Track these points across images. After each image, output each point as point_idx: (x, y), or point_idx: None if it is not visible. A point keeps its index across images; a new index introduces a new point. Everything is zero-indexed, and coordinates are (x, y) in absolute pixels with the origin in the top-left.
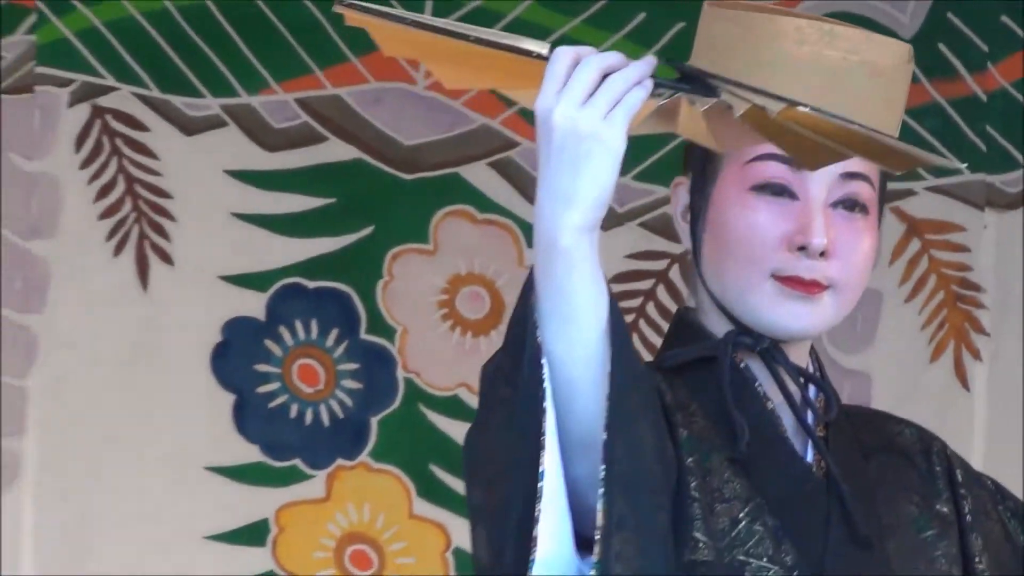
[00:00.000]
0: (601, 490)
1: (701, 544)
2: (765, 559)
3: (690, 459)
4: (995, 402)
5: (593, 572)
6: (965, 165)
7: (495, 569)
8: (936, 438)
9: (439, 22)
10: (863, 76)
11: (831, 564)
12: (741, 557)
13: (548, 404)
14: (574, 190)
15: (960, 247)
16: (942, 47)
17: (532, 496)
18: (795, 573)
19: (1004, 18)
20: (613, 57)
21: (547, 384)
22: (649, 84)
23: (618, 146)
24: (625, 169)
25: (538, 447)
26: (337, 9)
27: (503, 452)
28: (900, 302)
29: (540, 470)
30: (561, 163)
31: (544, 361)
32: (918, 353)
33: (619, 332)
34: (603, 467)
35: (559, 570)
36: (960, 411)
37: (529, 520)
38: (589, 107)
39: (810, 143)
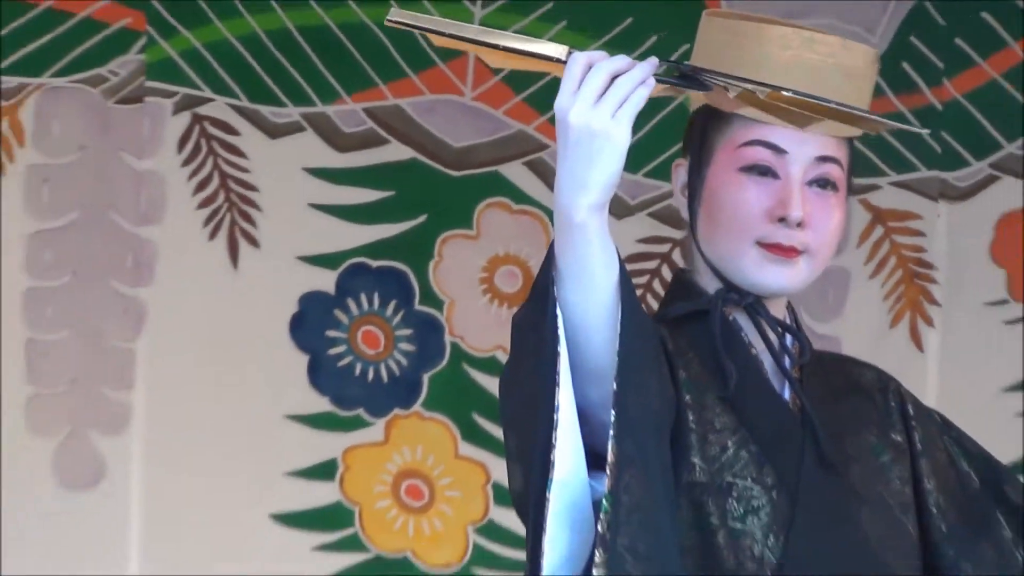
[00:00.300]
0: (612, 432)
1: (697, 468)
2: (749, 480)
3: (688, 397)
4: (945, 361)
5: (604, 502)
6: (924, 130)
7: (526, 498)
8: (892, 379)
9: (472, 32)
10: (838, 75)
11: (804, 485)
12: (729, 479)
13: (562, 348)
14: (587, 177)
15: (917, 232)
16: (905, 65)
17: (550, 423)
18: (773, 492)
19: (958, 40)
20: (620, 61)
21: (561, 331)
22: (651, 83)
23: (624, 141)
24: (636, 168)
25: (553, 384)
26: (388, 22)
27: (528, 388)
28: (865, 279)
29: (556, 403)
30: (576, 155)
31: (559, 312)
32: (880, 321)
33: (627, 290)
34: (614, 412)
35: (574, 489)
36: (916, 369)
37: (548, 447)
38: (600, 107)
39: (797, 112)
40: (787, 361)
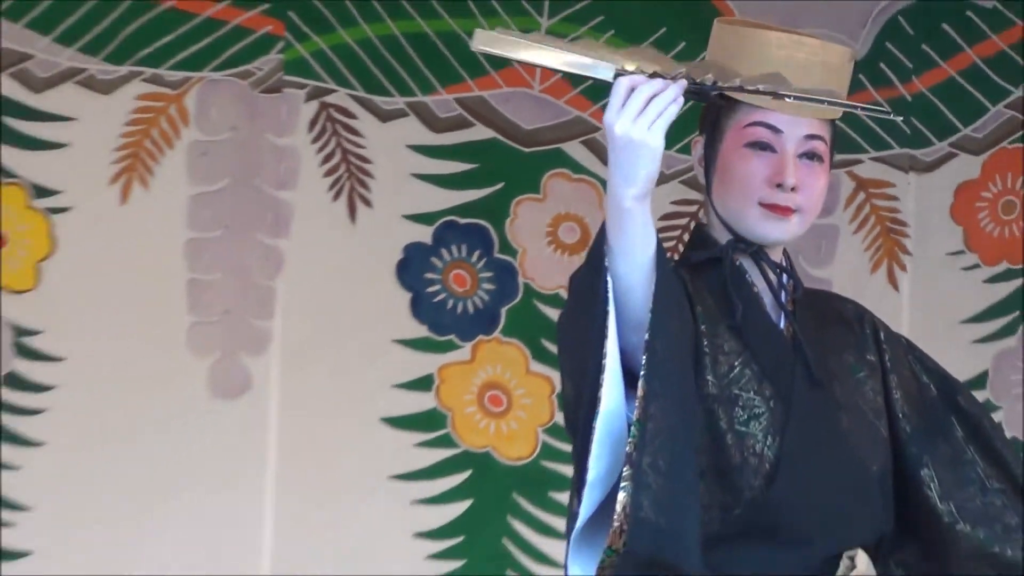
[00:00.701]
0: (643, 372)
1: (709, 383)
2: (751, 392)
3: (703, 327)
4: (915, 299)
5: (633, 428)
6: (898, 117)
7: (572, 406)
8: (867, 311)
9: (542, 57)
10: (821, 70)
11: (795, 396)
12: (736, 391)
13: (611, 307)
14: (631, 174)
15: (892, 197)
16: (882, 65)
17: (599, 367)
18: (771, 402)
19: (924, 46)
20: (658, 84)
21: (611, 294)
22: (680, 101)
23: (658, 147)
24: (670, 145)
25: (603, 335)
26: (475, 49)
27: (582, 334)
28: (850, 234)
29: (604, 351)
30: (622, 158)
31: (609, 278)
32: (862, 267)
33: (661, 260)
34: (645, 356)
35: (614, 419)
36: (892, 306)
37: (597, 386)
38: (639, 122)
39: (789, 104)
40: (783, 296)
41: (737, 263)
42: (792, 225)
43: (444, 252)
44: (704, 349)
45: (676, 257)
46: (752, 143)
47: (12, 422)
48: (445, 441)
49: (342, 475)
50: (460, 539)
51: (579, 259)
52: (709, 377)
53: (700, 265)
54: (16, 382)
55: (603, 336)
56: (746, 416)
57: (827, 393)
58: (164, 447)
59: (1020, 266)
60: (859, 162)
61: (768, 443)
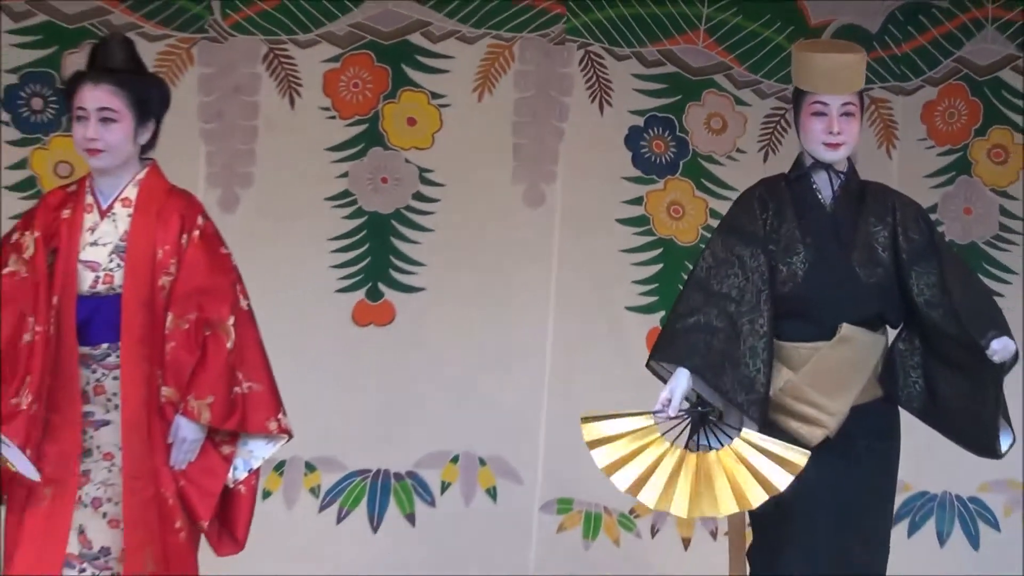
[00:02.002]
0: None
1: (774, 244)
2: (796, 242)
3: (773, 222)
4: (901, 163)
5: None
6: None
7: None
8: (892, 190)
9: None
10: (845, 65)
11: (821, 243)
12: (786, 243)
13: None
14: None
15: (889, 108)
16: (885, 36)
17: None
18: (807, 246)
19: (908, 27)
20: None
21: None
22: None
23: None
24: (769, 76)
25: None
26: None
27: None
28: (867, 126)
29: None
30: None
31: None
32: (873, 144)
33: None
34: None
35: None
36: (887, 166)
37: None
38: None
39: (832, 88)
40: (832, 188)
41: (811, 176)
42: (841, 152)
43: (651, 131)
44: (773, 226)
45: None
46: (814, 112)
47: None
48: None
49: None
50: None
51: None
52: (771, 247)
53: (798, 177)
54: None
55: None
56: (791, 254)
57: (844, 242)
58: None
59: (958, 145)
60: (872, 88)
61: (801, 266)
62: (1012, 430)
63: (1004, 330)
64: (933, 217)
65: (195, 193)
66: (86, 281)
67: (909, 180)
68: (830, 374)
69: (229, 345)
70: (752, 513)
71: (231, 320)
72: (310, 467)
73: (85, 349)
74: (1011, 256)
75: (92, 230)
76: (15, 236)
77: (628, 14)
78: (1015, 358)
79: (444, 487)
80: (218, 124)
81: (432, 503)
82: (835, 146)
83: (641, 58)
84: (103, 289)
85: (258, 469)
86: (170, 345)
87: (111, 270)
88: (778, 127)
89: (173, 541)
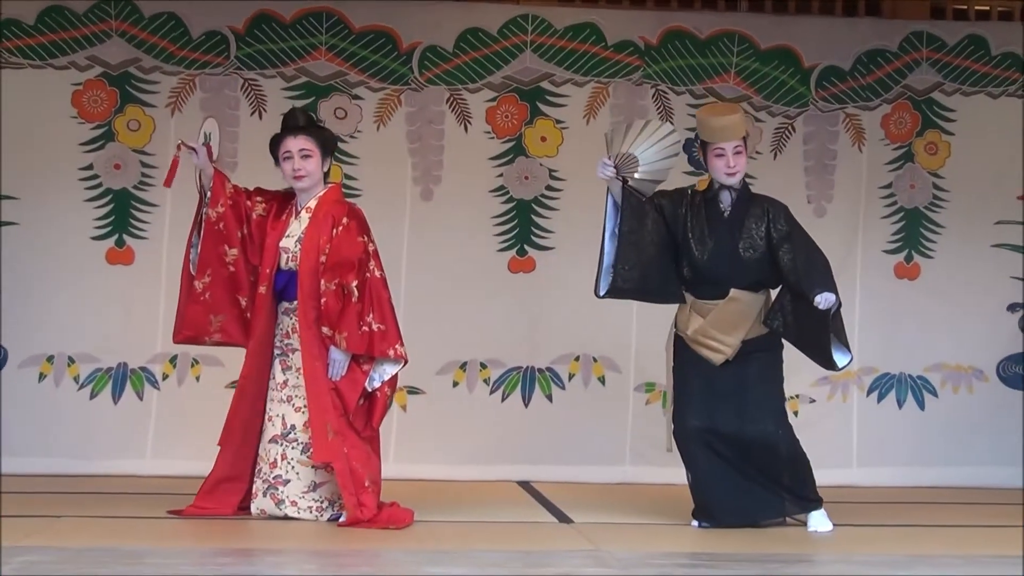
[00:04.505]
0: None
1: (690, 233)
2: (703, 234)
3: (689, 215)
4: (869, 155)
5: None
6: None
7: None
8: (769, 198)
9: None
10: (732, 122)
11: (716, 236)
12: (696, 234)
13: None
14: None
15: (859, 120)
16: (855, 73)
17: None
18: (707, 237)
19: (871, 65)
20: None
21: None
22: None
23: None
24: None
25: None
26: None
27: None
28: (843, 133)
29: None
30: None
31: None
32: (848, 144)
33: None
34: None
35: (606, 256)
36: (857, 159)
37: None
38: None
39: (722, 137)
40: (729, 200)
41: (720, 194)
42: (736, 178)
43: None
44: (690, 223)
45: (701, 189)
46: (717, 155)
47: None
48: None
49: None
50: None
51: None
52: (689, 233)
53: (707, 195)
54: None
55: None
56: (697, 243)
57: (734, 233)
58: None
59: (905, 143)
60: (846, 107)
61: (707, 252)
62: (850, 352)
63: (828, 287)
64: (889, 191)
65: (403, 189)
66: (283, 260)
67: (874, 167)
68: (725, 320)
69: (354, 299)
70: (676, 392)
71: (354, 283)
72: (483, 365)
73: (285, 304)
74: (941, 215)
75: (291, 226)
76: (260, 196)
77: (684, 64)
78: (838, 305)
79: (570, 377)
80: (419, 144)
81: (563, 387)
82: (732, 175)
83: (693, 93)
84: (293, 265)
85: (391, 379)
86: (323, 300)
87: (296, 253)
88: (783, 137)
89: (342, 417)
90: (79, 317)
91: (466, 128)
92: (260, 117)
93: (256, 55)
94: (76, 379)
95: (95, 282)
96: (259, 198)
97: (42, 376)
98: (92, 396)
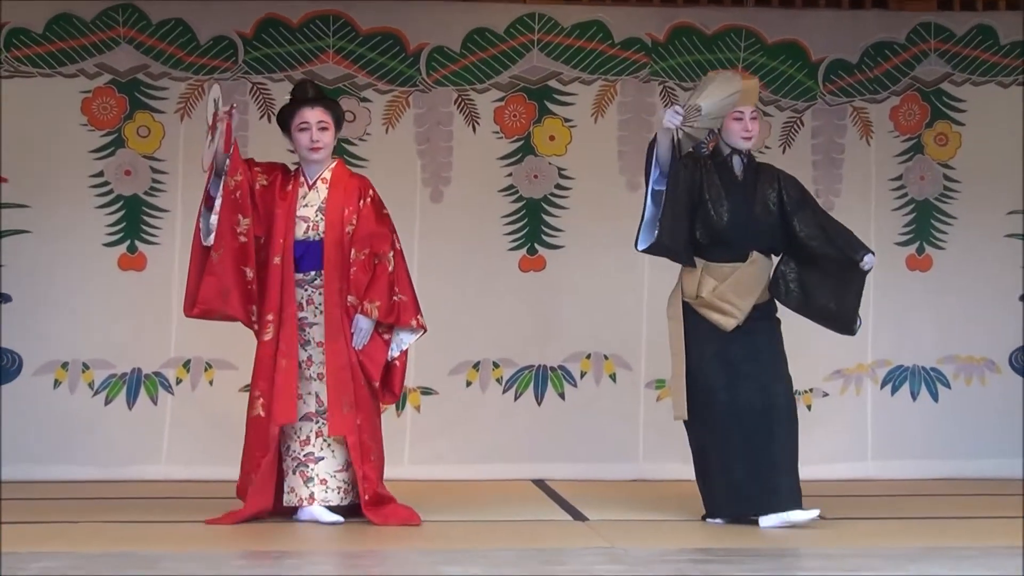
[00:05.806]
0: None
1: (707, 195)
2: (721, 197)
3: (706, 180)
4: (877, 146)
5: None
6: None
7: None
8: (777, 169)
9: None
10: (751, 87)
11: (733, 198)
12: (715, 197)
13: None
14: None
15: (867, 112)
16: (863, 66)
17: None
18: (725, 200)
19: (878, 58)
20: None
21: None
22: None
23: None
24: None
25: (650, 177)
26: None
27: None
28: (851, 125)
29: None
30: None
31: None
32: (857, 135)
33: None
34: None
35: (649, 211)
36: (865, 148)
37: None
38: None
39: (742, 102)
40: (741, 165)
41: (731, 158)
42: (751, 142)
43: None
44: (706, 195)
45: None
46: (736, 118)
47: None
48: None
49: None
50: None
51: None
52: (706, 195)
53: (717, 159)
54: None
55: (650, 178)
56: (718, 206)
57: (748, 196)
58: None
59: (914, 135)
60: (854, 100)
61: (725, 214)
62: (860, 319)
63: (869, 249)
64: (899, 183)
65: (413, 191)
66: (300, 229)
67: (883, 159)
68: (744, 284)
69: (390, 269)
70: (691, 358)
71: (391, 253)
72: (496, 365)
73: (299, 275)
74: (952, 206)
75: (303, 197)
76: (259, 167)
77: (691, 60)
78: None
79: (582, 374)
80: (427, 146)
81: (575, 385)
82: (748, 138)
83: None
84: (312, 235)
85: (407, 349)
86: (352, 270)
87: (317, 223)
88: (792, 131)
89: (360, 391)
90: (92, 323)
91: (474, 128)
92: (269, 120)
93: (264, 59)
94: (91, 385)
95: (108, 288)
96: (258, 168)
97: (57, 383)
98: (107, 402)
